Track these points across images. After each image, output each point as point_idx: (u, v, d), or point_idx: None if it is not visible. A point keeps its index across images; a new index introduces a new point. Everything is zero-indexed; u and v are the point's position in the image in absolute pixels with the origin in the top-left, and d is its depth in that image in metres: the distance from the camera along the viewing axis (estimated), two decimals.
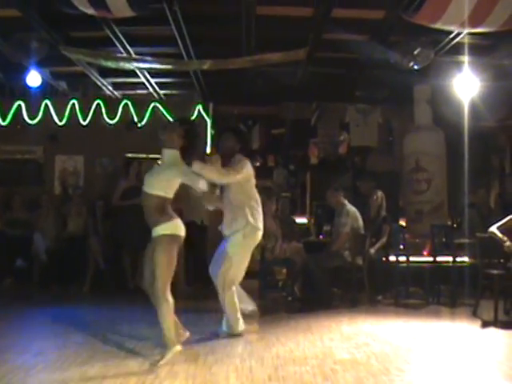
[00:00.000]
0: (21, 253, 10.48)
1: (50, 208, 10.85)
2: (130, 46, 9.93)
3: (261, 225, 6.46)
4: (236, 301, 6.31)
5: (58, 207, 11.00)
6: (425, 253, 9.71)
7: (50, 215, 10.79)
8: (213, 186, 6.18)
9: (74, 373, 4.68)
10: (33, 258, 10.37)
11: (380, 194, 9.62)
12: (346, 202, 9.02)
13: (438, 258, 9.07)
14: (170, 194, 5.29)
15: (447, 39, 9.22)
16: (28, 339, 6.13)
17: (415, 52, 9.26)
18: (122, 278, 9.94)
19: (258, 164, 13.54)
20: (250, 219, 6.33)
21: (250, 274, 10.19)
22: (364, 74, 11.33)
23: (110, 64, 10.30)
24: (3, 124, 11.83)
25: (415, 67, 9.53)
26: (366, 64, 10.76)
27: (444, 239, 9.50)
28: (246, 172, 6.39)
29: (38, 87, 11.10)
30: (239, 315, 6.33)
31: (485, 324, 7.09)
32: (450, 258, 8.87)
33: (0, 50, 9.86)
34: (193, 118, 11.64)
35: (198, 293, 8.26)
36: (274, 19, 9.15)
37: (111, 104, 12.04)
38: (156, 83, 12.39)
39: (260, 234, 6.47)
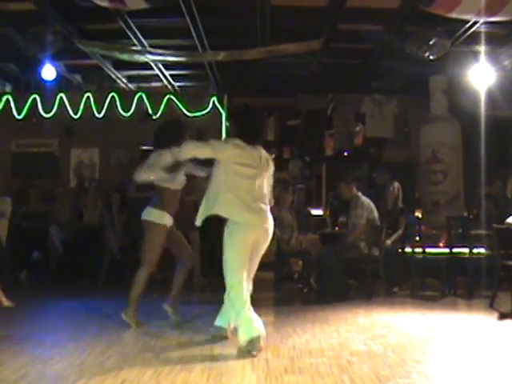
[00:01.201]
0: (37, 245, 10.54)
1: (66, 201, 10.90)
2: (145, 38, 9.95)
3: (240, 218, 5.47)
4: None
5: (73, 200, 11.04)
6: (441, 244, 9.66)
7: (66, 208, 10.84)
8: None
9: (90, 364, 4.70)
10: (49, 251, 10.42)
11: (397, 184, 9.55)
12: (360, 193, 8.97)
13: (455, 250, 9.01)
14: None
15: (463, 29, 9.16)
16: (44, 331, 6.16)
17: (431, 42, 9.21)
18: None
19: (273, 155, 13.54)
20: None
21: (265, 265, 10.23)
22: (379, 65, 11.27)
23: (125, 57, 10.33)
24: (19, 117, 11.90)
25: (431, 57, 9.46)
26: (382, 54, 10.70)
27: (460, 230, 9.44)
28: (222, 149, 5.46)
29: (53, 80, 11.17)
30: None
31: (502, 316, 7.04)
32: (467, 250, 8.81)
33: (15, 44, 9.91)
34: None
35: (213, 284, 8.26)
36: (289, 10, 9.13)
37: (126, 97, 12.09)
38: (170, 75, 12.41)
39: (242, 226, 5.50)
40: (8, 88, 12.83)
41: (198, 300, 8.51)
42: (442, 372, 4.68)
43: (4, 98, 12.00)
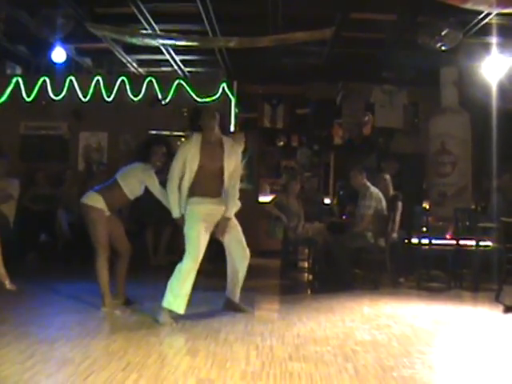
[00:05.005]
0: (45, 228, 10.58)
1: (74, 184, 10.91)
2: (156, 22, 9.93)
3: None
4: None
5: (81, 183, 11.05)
6: (448, 236, 9.64)
7: (74, 191, 10.84)
8: None
9: (95, 347, 4.72)
10: (56, 234, 10.46)
11: (383, 176, 9.57)
12: (369, 183, 8.95)
13: (461, 242, 9.00)
14: None
15: (476, 20, 9.10)
16: (50, 314, 6.19)
17: (443, 33, 9.15)
18: (144, 255, 9.99)
19: (281, 143, 13.53)
20: None
21: (272, 253, 10.24)
22: (390, 55, 11.22)
23: (135, 41, 10.30)
24: (28, 100, 11.89)
25: (443, 48, 9.41)
26: (393, 44, 10.65)
27: (467, 223, 9.41)
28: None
29: (62, 63, 11.15)
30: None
31: (507, 309, 7.03)
32: (474, 242, 8.78)
33: (26, 26, 9.90)
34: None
35: (219, 271, 8.27)
36: None
37: (135, 81, 12.05)
38: (181, 61, 12.40)
39: None
40: (18, 70, 12.83)
41: (204, 286, 8.51)
42: (445, 363, 4.69)
43: (14, 80, 11.99)
